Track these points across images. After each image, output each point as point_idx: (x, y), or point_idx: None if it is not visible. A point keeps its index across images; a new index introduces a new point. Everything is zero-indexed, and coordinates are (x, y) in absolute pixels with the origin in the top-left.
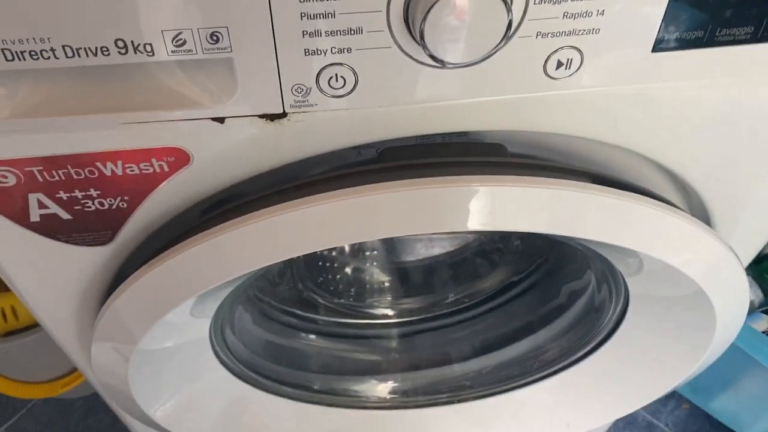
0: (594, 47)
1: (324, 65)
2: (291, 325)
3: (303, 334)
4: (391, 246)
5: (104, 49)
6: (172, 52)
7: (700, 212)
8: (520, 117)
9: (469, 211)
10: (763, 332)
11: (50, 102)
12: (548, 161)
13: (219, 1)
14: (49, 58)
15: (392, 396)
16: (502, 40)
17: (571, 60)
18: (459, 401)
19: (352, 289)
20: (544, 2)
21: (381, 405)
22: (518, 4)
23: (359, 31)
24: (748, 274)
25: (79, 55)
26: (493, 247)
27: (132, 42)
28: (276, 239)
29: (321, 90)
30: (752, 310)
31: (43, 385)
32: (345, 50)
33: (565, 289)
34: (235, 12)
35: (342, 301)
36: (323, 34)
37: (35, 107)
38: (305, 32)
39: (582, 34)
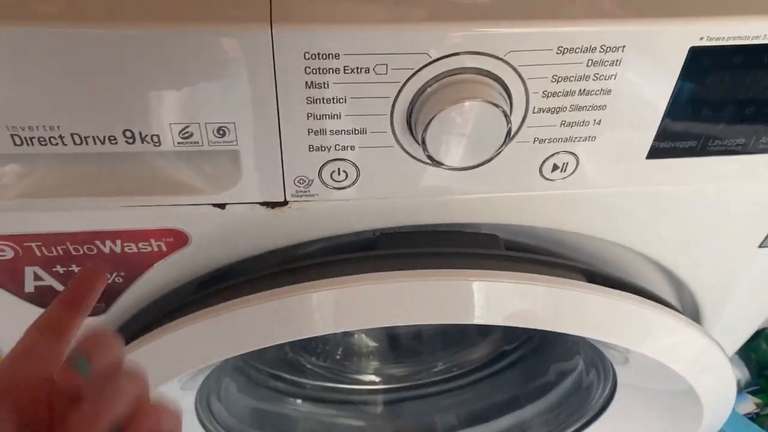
0: (589, 153)
1: (327, 160)
2: (278, 390)
3: (290, 399)
4: None
5: (112, 138)
6: (178, 143)
7: (690, 303)
8: (515, 212)
9: (464, 305)
10: (750, 413)
11: (54, 184)
12: (540, 254)
13: (228, 99)
14: (57, 144)
15: None
16: (500, 147)
17: (567, 164)
18: None
19: (340, 353)
20: (543, 111)
21: None
22: (517, 112)
23: (363, 131)
24: (735, 354)
25: (86, 143)
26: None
27: (140, 133)
28: (272, 325)
29: (323, 182)
30: (739, 390)
31: None
32: (348, 147)
33: (553, 368)
34: (243, 110)
35: (329, 364)
36: (328, 132)
37: (40, 188)
38: (311, 130)
39: (578, 141)
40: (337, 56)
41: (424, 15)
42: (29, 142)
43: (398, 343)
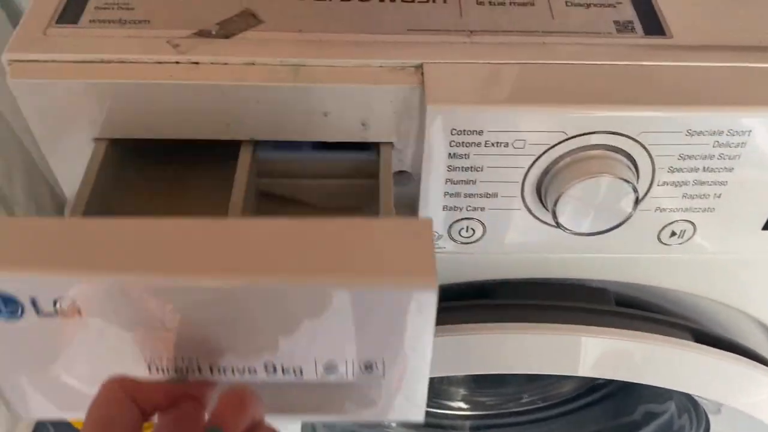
0: (707, 222)
1: (457, 218)
2: None
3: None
4: None
5: (252, 369)
6: (320, 375)
7: None
8: (629, 270)
9: (572, 359)
10: None
11: None
12: (649, 311)
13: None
14: (194, 373)
15: None
16: (626, 219)
17: (684, 231)
18: None
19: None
20: (667, 185)
21: None
22: (643, 184)
23: (494, 195)
24: None
25: (225, 374)
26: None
27: (282, 365)
28: None
29: (452, 238)
30: None
31: None
32: (479, 209)
33: (641, 408)
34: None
35: None
36: (462, 195)
37: None
38: (446, 193)
39: (698, 211)
40: (480, 132)
41: (563, 96)
42: (166, 371)
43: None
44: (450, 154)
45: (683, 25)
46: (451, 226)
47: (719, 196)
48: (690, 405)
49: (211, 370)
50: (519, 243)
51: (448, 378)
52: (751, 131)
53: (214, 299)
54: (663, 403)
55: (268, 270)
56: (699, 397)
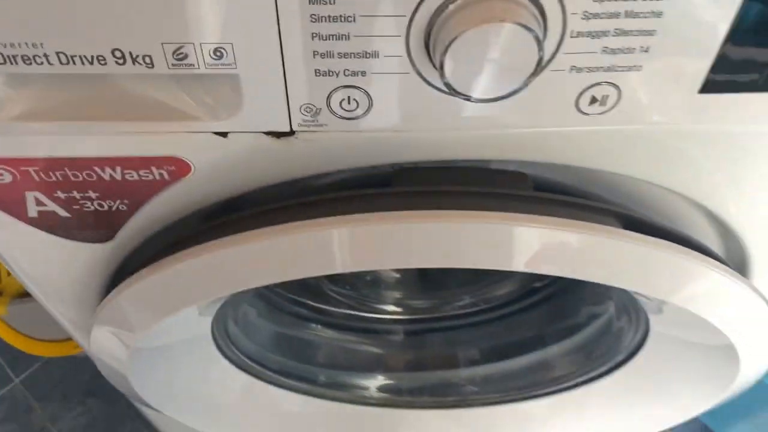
0: (633, 84)
1: (335, 87)
2: (299, 316)
3: (311, 325)
4: None
5: (101, 58)
6: (172, 65)
7: (738, 254)
8: (546, 149)
9: (488, 250)
10: None
11: (47, 107)
12: (572, 196)
13: (223, 17)
14: (42, 63)
15: (397, 395)
16: (528, 78)
17: (607, 96)
18: (464, 406)
19: (363, 283)
20: (582, 36)
21: (385, 403)
22: (552, 37)
23: (375, 54)
24: None
25: (74, 63)
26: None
27: (130, 53)
28: (284, 260)
29: (332, 111)
30: None
31: (58, 343)
32: (359, 73)
33: (584, 310)
34: (240, 29)
35: (352, 294)
36: (336, 55)
37: (32, 112)
38: (316, 53)
39: (621, 70)
40: None
41: None
42: (12, 60)
43: (424, 276)
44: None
45: None
46: (329, 97)
47: (647, 50)
48: (630, 305)
49: (59, 59)
50: (412, 118)
51: (378, 280)
52: None
53: None
54: (602, 304)
55: None
56: (638, 295)
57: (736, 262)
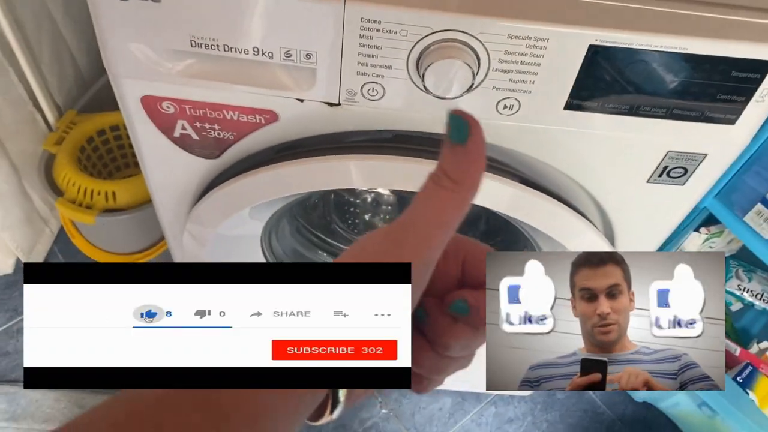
0: (527, 100)
1: (366, 81)
2: (313, 243)
3: (319, 251)
4: (404, 203)
5: (245, 50)
6: (282, 59)
7: (609, 227)
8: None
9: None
10: None
11: (205, 71)
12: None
13: (312, 36)
14: (214, 49)
15: None
16: (468, 89)
17: (513, 105)
18: None
19: (365, 223)
20: (498, 71)
21: None
22: (482, 70)
23: (389, 66)
24: None
25: (231, 52)
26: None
27: (262, 50)
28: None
29: (362, 95)
30: None
31: (127, 255)
32: (380, 76)
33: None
34: (321, 44)
35: (353, 235)
36: (369, 65)
37: (197, 73)
38: (359, 62)
39: (520, 91)
40: (378, 22)
41: (433, 3)
42: (198, 45)
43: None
44: (360, 35)
45: None
46: (362, 87)
47: (533, 83)
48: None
49: (224, 48)
50: (407, 104)
51: (373, 224)
52: (548, 39)
53: None
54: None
55: None
56: (543, 240)
57: (607, 233)
